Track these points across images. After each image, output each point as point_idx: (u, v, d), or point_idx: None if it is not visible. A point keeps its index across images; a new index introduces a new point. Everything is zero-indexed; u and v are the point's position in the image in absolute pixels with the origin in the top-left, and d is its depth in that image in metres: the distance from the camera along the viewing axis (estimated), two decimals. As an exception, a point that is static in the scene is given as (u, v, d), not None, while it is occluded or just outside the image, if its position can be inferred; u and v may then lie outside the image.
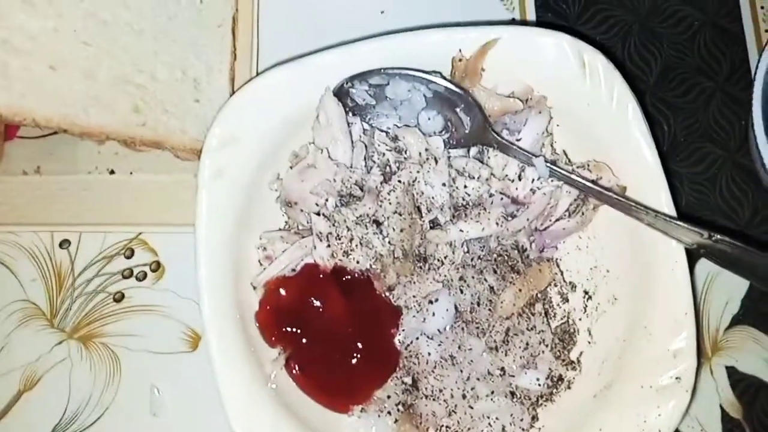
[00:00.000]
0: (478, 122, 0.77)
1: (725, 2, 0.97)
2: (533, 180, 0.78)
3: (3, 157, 0.90)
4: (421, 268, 0.78)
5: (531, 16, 0.97)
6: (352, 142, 0.80)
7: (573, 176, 0.76)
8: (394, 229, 0.76)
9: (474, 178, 0.78)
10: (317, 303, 0.78)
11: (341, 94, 0.79)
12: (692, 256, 0.88)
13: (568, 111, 0.80)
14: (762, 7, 0.98)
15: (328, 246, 0.77)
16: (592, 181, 0.77)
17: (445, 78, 0.78)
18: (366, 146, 0.81)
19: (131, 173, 0.89)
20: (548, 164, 0.76)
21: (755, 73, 0.81)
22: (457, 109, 0.78)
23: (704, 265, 0.89)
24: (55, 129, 0.74)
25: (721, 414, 0.87)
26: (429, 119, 0.80)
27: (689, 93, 0.95)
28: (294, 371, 0.77)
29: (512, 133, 0.79)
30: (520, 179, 0.78)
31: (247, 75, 0.88)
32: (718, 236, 0.71)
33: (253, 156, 0.78)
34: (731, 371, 0.88)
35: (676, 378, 0.72)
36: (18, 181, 0.90)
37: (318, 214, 0.78)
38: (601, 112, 0.78)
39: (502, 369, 0.77)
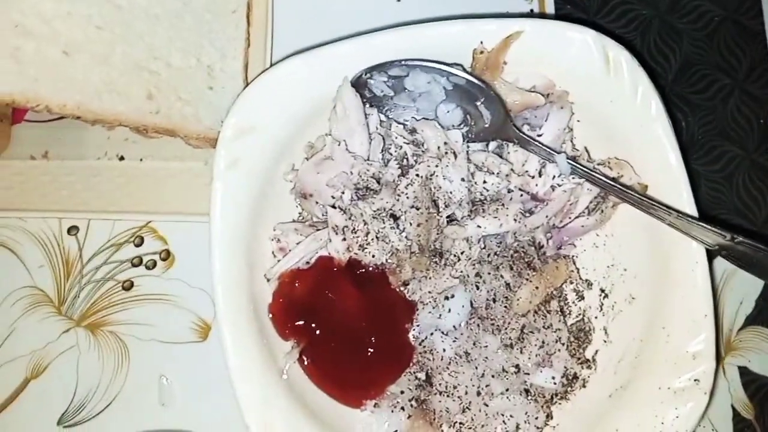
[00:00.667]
0: (499, 117, 0.76)
1: (746, -2, 0.96)
2: (554, 177, 0.76)
3: (10, 140, 0.89)
4: (437, 263, 0.77)
5: (550, 7, 0.95)
6: (370, 134, 0.79)
7: (595, 174, 0.75)
8: (410, 224, 0.75)
9: (493, 173, 0.76)
10: (331, 296, 0.77)
11: (359, 84, 0.77)
12: (708, 255, 0.88)
13: (590, 106, 0.78)
14: (783, 4, 0.96)
15: (344, 239, 0.76)
16: (614, 180, 0.75)
17: (465, 70, 0.77)
18: (384, 138, 0.79)
19: (141, 160, 0.88)
20: (570, 161, 0.75)
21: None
22: (477, 103, 0.77)
23: (719, 265, 0.89)
24: (68, 115, 0.72)
25: (732, 413, 0.86)
26: (448, 112, 0.78)
27: (708, 90, 0.94)
28: (307, 364, 0.77)
29: (533, 128, 0.78)
30: (540, 176, 0.77)
31: (260, 62, 0.87)
32: (741, 238, 0.70)
33: (268, 146, 0.76)
34: (744, 371, 0.88)
35: (695, 380, 0.71)
36: (25, 166, 0.88)
37: (334, 206, 0.76)
38: (624, 108, 0.76)
39: (517, 366, 0.77)
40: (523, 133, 0.76)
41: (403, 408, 0.77)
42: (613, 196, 0.76)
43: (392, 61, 0.77)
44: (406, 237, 0.75)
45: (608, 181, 0.75)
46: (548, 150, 0.75)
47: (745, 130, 0.93)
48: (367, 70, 0.77)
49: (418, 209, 0.75)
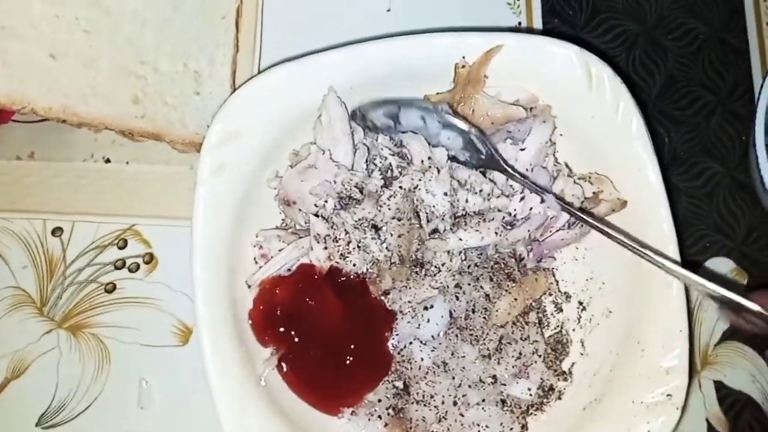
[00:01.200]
0: (488, 151, 0.77)
1: (731, 17, 0.97)
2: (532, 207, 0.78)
3: (-4, 140, 0.89)
4: (417, 273, 0.77)
5: (537, 21, 0.96)
6: (354, 144, 0.79)
7: (585, 217, 0.75)
8: (392, 235, 0.75)
9: (476, 193, 0.77)
10: (312, 304, 0.77)
11: (357, 116, 0.78)
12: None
13: (571, 122, 0.79)
14: (768, 24, 0.97)
15: (325, 248, 0.76)
16: (604, 221, 0.76)
17: (450, 112, 0.77)
18: (369, 149, 0.80)
19: (127, 163, 0.88)
20: (559, 201, 0.76)
21: (759, 91, 0.81)
22: (471, 136, 0.77)
23: (698, 280, 0.90)
24: (54, 118, 0.73)
25: (707, 428, 0.87)
26: (449, 138, 0.78)
27: (691, 107, 0.95)
28: (285, 371, 0.77)
29: (516, 141, 0.78)
30: (521, 201, 0.78)
31: (249, 68, 0.87)
32: (721, 292, 0.69)
33: (253, 153, 0.77)
34: (719, 386, 0.88)
35: (667, 395, 0.72)
36: (11, 166, 0.89)
37: (317, 215, 0.77)
38: (605, 124, 0.77)
39: (494, 377, 0.77)
40: (514, 170, 0.77)
41: (380, 416, 0.77)
42: (604, 235, 0.75)
43: (381, 101, 0.78)
44: (387, 248, 0.76)
45: (599, 224, 0.74)
46: (538, 188, 0.76)
47: (727, 147, 0.94)
48: (360, 108, 0.78)
49: (399, 220, 0.76)
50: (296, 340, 0.77)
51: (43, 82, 0.71)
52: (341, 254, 0.76)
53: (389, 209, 0.75)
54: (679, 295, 0.74)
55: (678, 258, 0.75)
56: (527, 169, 0.78)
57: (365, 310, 0.78)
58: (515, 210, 0.78)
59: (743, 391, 0.88)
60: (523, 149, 0.78)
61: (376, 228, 0.75)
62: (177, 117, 0.81)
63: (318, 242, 0.77)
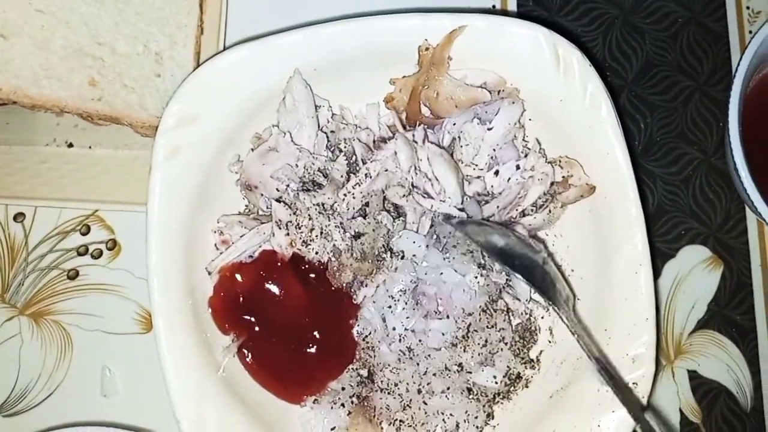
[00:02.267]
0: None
1: (711, 1, 0.95)
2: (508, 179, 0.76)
3: (-43, 125, 0.87)
4: (383, 260, 0.76)
5: (512, 4, 0.94)
6: (319, 128, 0.77)
7: (575, 334, 0.73)
8: (355, 230, 0.74)
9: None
10: (274, 291, 0.76)
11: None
12: (659, 258, 0.88)
13: (540, 105, 0.77)
14: (748, 7, 0.95)
15: (287, 234, 0.75)
16: (587, 334, 0.74)
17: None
18: (333, 132, 0.78)
19: (90, 147, 0.86)
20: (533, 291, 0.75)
21: (733, 77, 0.79)
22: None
23: (672, 267, 0.89)
24: (4, 101, 0.71)
25: (680, 418, 0.86)
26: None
27: (668, 91, 0.93)
28: (247, 359, 0.76)
29: (483, 122, 0.77)
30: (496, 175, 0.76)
31: (213, 50, 0.85)
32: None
33: (213, 136, 0.75)
34: (693, 375, 0.87)
35: (633, 383, 0.71)
36: (-28, 151, 0.87)
37: (279, 200, 0.75)
38: (575, 108, 0.76)
39: (460, 365, 0.76)
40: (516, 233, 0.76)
41: (343, 404, 0.76)
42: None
43: None
44: (349, 237, 0.74)
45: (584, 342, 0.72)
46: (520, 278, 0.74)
47: (705, 133, 0.92)
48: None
49: (365, 218, 0.74)
50: (257, 328, 0.76)
51: (-7, 62, 0.70)
52: (303, 241, 0.75)
53: (354, 197, 0.74)
54: (647, 283, 0.73)
55: (646, 241, 0.73)
56: (494, 149, 0.76)
57: (329, 298, 0.77)
58: (491, 186, 0.76)
59: (717, 380, 0.87)
60: (490, 128, 0.76)
61: (339, 217, 0.74)
62: (136, 99, 0.79)
63: (280, 228, 0.75)
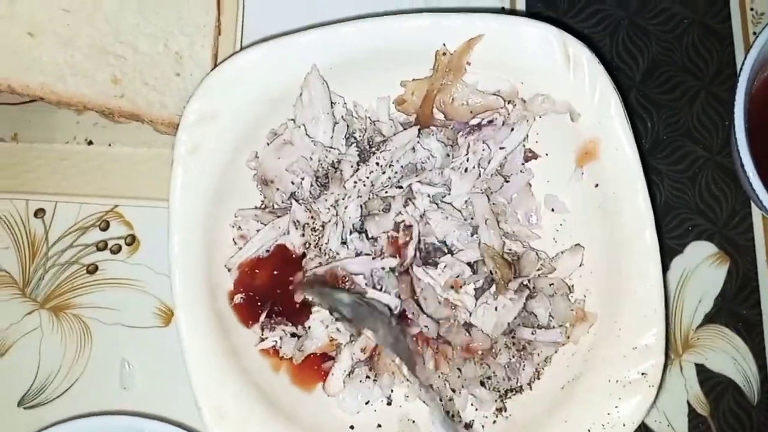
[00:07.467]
0: None
1: (715, 2, 0.97)
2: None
3: (-21, 123, 0.89)
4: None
5: (521, 4, 0.96)
6: (335, 122, 0.79)
7: None
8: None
9: None
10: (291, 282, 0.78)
11: None
12: (667, 254, 0.90)
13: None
14: (752, 9, 0.97)
15: (302, 235, 0.77)
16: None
17: None
18: (348, 125, 0.80)
19: (110, 145, 0.88)
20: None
21: (738, 76, 0.81)
22: None
23: (680, 262, 0.90)
24: (32, 96, 0.73)
25: (688, 410, 0.87)
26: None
27: (674, 91, 0.95)
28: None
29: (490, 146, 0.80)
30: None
31: (230, 50, 0.87)
32: None
33: (231, 133, 0.77)
34: (700, 369, 0.88)
35: (643, 373, 0.72)
36: (-6, 148, 0.89)
37: (296, 199, 0.78)
38: (584, 105, 0.77)
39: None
40: None
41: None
42: None
43: None
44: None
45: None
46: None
47: (710, 131, 0.94)
48: None
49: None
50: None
51: (21, 59, 0.72)
52: (316, 245, 0.77)
53: (364, 185, 0.75)
54: (656, 273, 0.74)
55: (654, 234, 0.75)
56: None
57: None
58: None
59: (725, 374, 0.88)
60: (502, 148, 0.79)
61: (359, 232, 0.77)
62: (157, 98, 0.81)
63: (296, 228, 0.77)
